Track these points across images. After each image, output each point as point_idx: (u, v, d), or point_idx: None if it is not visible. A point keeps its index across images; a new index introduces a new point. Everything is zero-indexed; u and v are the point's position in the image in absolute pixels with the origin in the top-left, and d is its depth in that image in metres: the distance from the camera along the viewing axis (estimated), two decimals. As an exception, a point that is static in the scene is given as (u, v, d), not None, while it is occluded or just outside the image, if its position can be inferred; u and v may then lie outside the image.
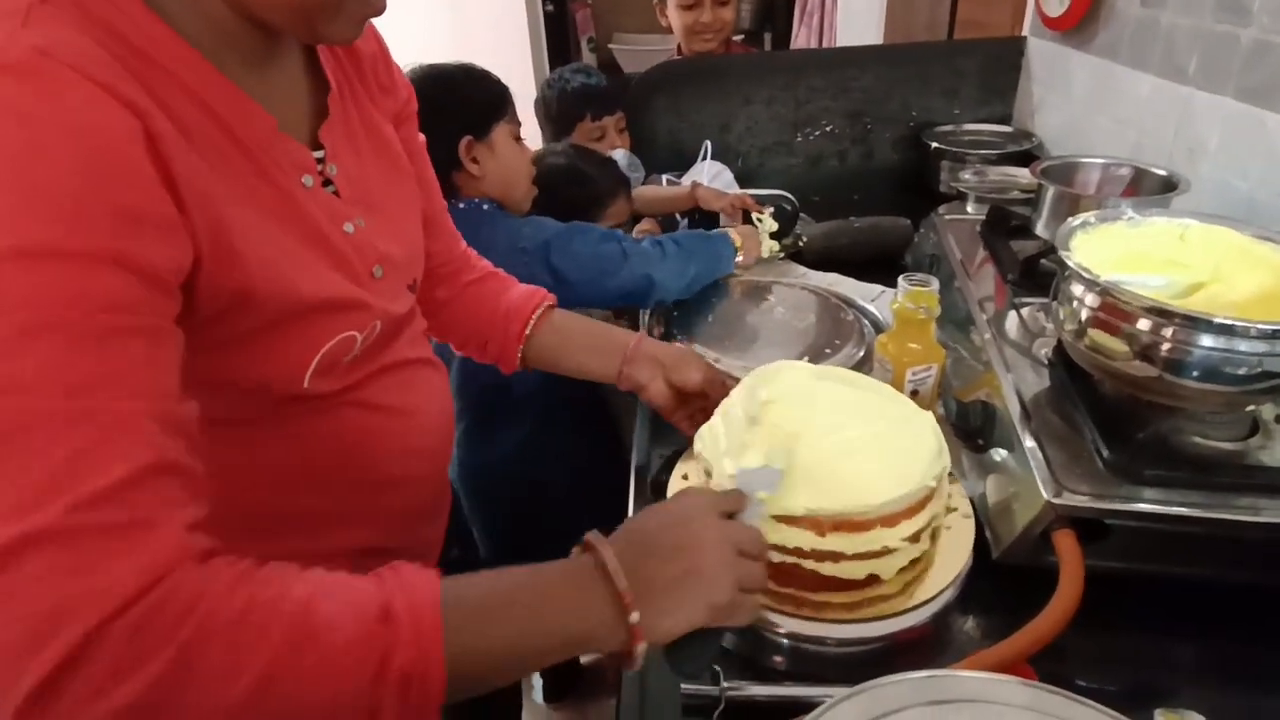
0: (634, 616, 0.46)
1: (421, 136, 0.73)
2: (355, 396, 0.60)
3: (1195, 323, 0.60)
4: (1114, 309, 0.64)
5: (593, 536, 0.50)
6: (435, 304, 0.80)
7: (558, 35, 3.33)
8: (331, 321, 0.55)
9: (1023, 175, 1.27)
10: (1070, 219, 0.76)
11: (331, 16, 0.49)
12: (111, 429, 0.38)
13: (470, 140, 1.02)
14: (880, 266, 1.18)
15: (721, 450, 0.63)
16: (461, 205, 1.03)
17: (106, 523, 0.36)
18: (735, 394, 0.69)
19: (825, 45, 2.60)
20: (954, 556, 0.63)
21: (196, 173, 0.45)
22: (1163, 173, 0.97)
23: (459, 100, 1.03)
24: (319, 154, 0.57)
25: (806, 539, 0.57)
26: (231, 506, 0.57)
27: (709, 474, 0.64)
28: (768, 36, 3.70)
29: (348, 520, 0.63)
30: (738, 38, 1.79)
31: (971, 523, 0.66)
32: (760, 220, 1.21)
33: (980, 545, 0.66)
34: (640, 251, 1.03)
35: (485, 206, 1.05)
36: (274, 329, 0.51)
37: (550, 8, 3.17)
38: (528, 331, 0.80)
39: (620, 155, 1.43)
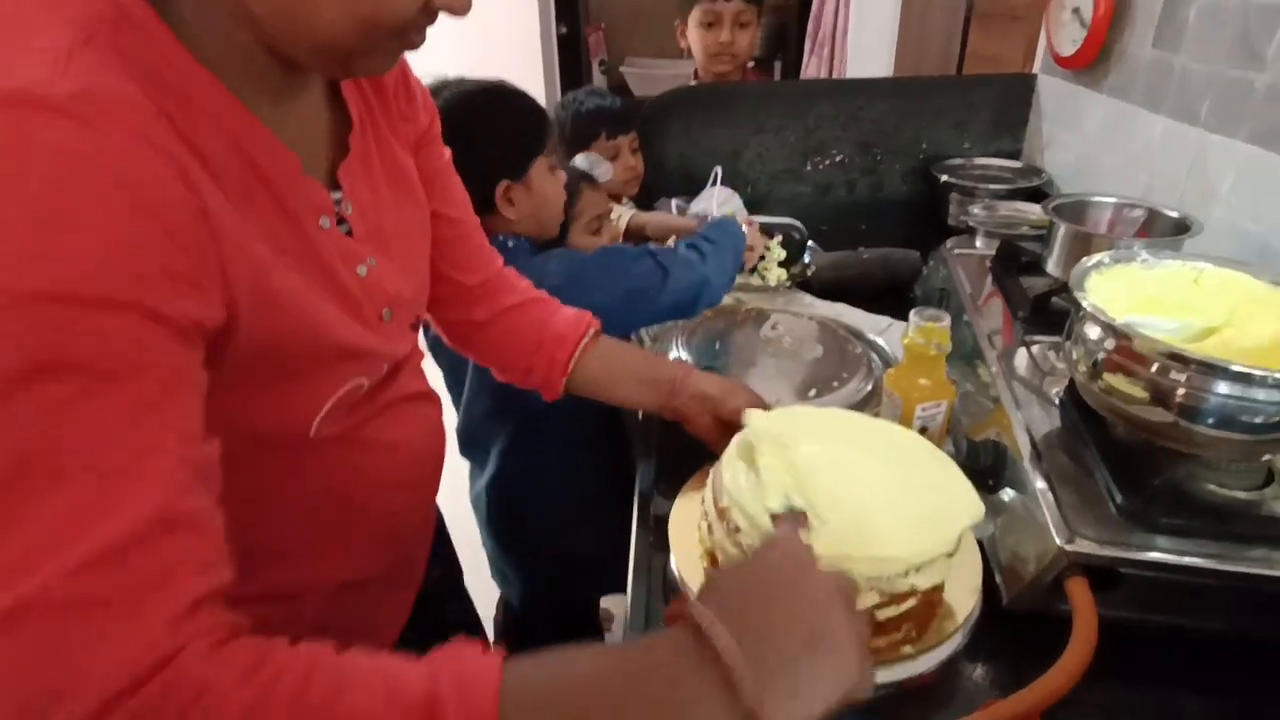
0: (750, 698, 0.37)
1: (448, 151, 0.71)
2: (351, 435, 0.59)
3: (1212, 369, 0.59)
4: (1129, 352, 0.63)
5: (686, 604, 0.40)
6: (473, 326, 0.78)
7: (570, 58, 3.35)
8: (344, 369, 0.54)
9: (1032, 211, 1.27)
10: (1085, 259, 0.75)
11: (367, 55, 0.48)
12: (118, 476, 0.35)
13: (508, 184, 0.97)
14: (889, 298, 1.18)
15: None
16: None
17: (102, 593, 0.33)
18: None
19: (835, 76, 2.62)
20: (963, 602, 0.62)
21: (232, 221, 0.43)
22: (1175, 214, 0.97)
23: (497, 139, 0.96)
24: (336, 195, 0.55)
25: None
26: None
27: (723, 514, 0.62)
28: (778, 65, 3.73)
29: (331, 552, 0.61)
30: (749, 63, 1.80)
31: (979, 567, 0.65)
32: (769, 248, 1.21)
33: (990, 590, 0.65)
34: (682, 260, 0.98)
35: (510, 244, 1.00)
36: (291, 377, 0.50)
37: (564, 31, 3.20)
38: (573, 361, 0.78)
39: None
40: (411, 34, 0.48)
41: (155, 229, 0.37)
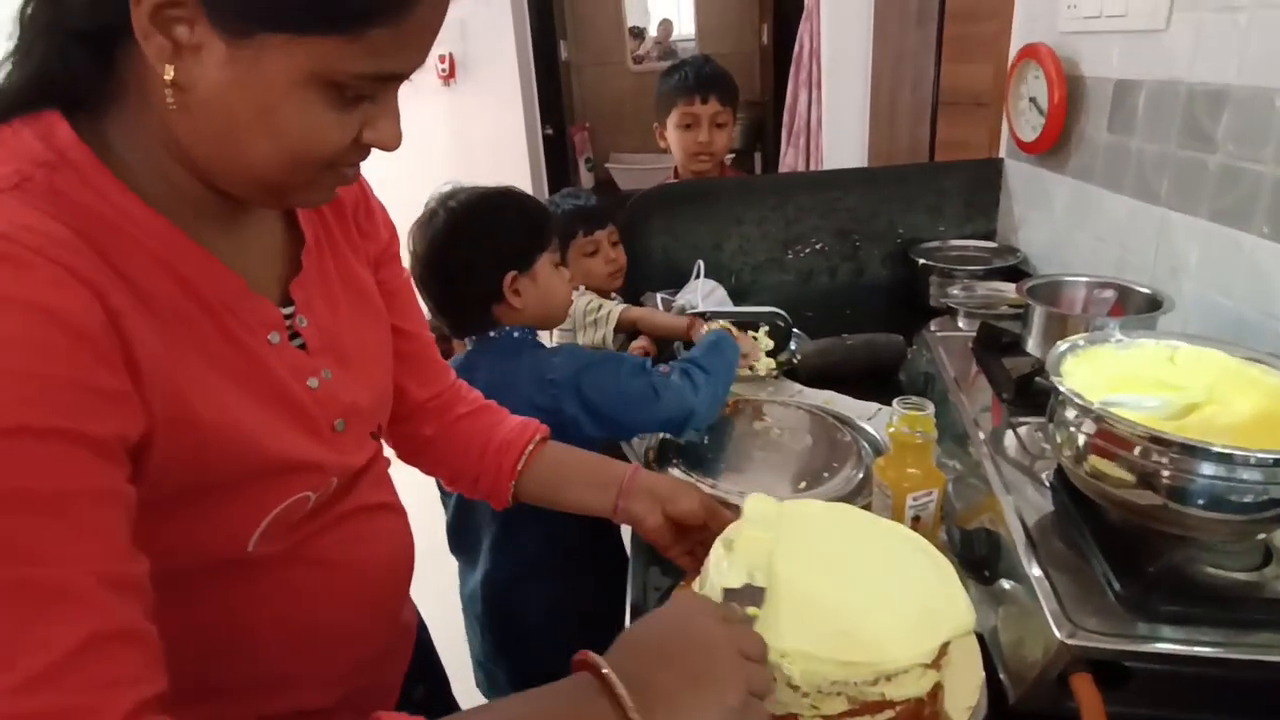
0: None
1: (406, 273, 0.73)
2: (300, 553, 0.57)
3: (1195, 451, 0.59)
4: (1111, 436, 0.63)
5: (586, 653, 0.47)
6: (422, 441, 0.78)
7: (557, 157, 3.49)
8: (285, 483, 0.54)
9: (1010, 290, 1.29)
10: (1059, 343, 0.76)
11: (302, 189, 0.50)
12: (53, 598, 0.37)
13: (515, 274, 1.02)
14: (875, 383, 1.18)
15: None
16: (492, 334, 1.03)
17: (46, 710, 0.35)
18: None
19: (812, 165, 2.72)
20: (964, 701, 0.60)
21: (156, 344, 0.45)
22: (1147, 291, 0.99)
23: (505, 233, 1.04)
24: (288, 310, 0.56)
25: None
26: None
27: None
28: (758, 156, 3.88)
29: (285, 683, 0.58)
30: (728, 157, 1.87)
31: (980, 670, 0.63)
32: (755, 339, 1.22)
33: (997, 688, 0.62)
34: (672, 387, 1.01)
35: (516, 334, 1.04)
36: (224, 491, 0.50)
37: (549, 132, 3.34)
38: (520, 466, 0.78)
39: None
40: (343, 168, 0.51)
41: (78, 349, 0.40)
